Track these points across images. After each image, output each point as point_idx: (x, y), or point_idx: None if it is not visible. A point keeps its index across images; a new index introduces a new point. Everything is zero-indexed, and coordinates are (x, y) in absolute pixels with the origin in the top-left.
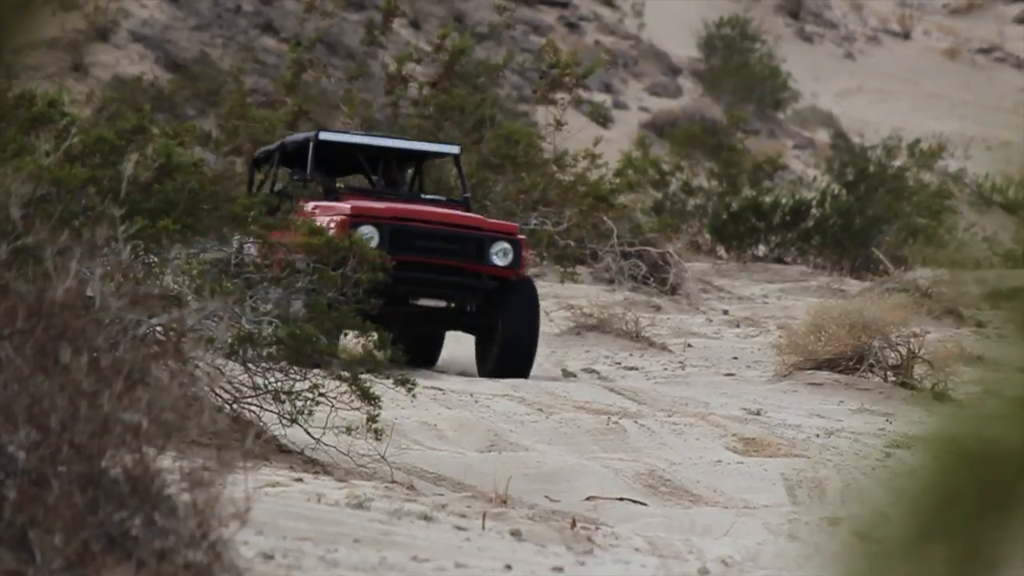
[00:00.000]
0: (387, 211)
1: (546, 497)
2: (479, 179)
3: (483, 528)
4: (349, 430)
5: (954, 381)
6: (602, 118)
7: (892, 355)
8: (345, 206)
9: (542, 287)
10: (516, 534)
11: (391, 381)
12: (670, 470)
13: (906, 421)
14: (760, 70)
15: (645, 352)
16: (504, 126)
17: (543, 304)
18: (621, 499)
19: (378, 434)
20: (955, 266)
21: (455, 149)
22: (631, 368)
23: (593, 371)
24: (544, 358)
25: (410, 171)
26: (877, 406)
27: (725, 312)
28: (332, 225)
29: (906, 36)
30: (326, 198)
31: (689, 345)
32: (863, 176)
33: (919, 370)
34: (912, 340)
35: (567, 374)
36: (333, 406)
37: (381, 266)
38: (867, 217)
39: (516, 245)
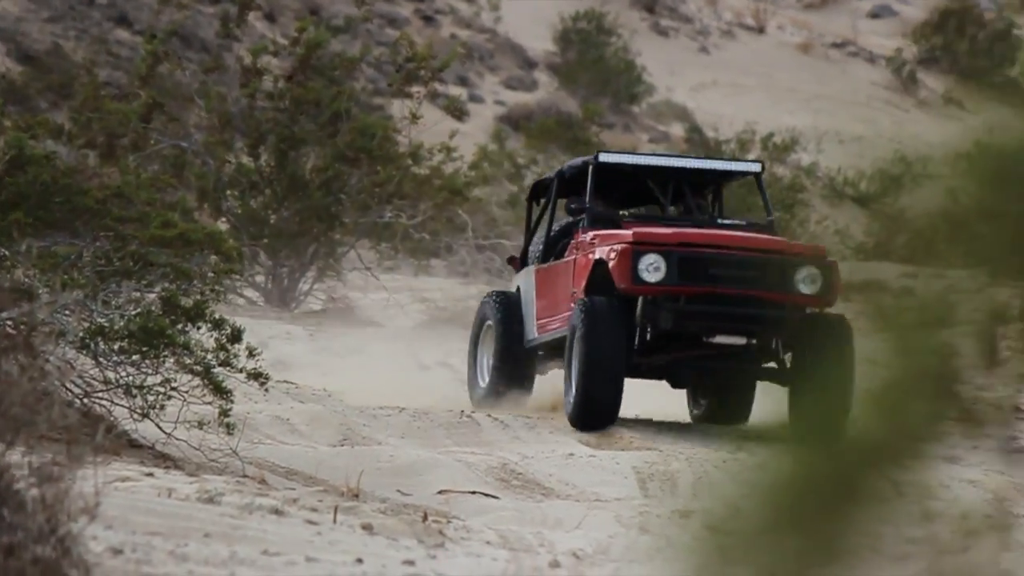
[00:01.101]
0: (674, 236)
1: (398, 491)
2: (334, 172)
3: (334, 522)
4: (201, 425)
5: None
6: (457, 111)
7: None
8: (627, 233)
9: (395, 280)
10: (368, 528)
11: (243, 375)
12: (522, 463)
13: (756, 415)
14: (615, 64)
15: None
16: (360, 119)
17: (398, 297)
18: (473, 492)
19: (230, 428)
20: None
21: (755, 167)
22: None
23: (447, 364)
24: (398, 351)
25: (709, 194)
26: None
27: None
28: (613, 255)
29: (760, 30)
30: (608, 227)
31: None
32: None
33: None
34: None
35: (422, 367)
36: (185, 400)
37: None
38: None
39: (827, 270)
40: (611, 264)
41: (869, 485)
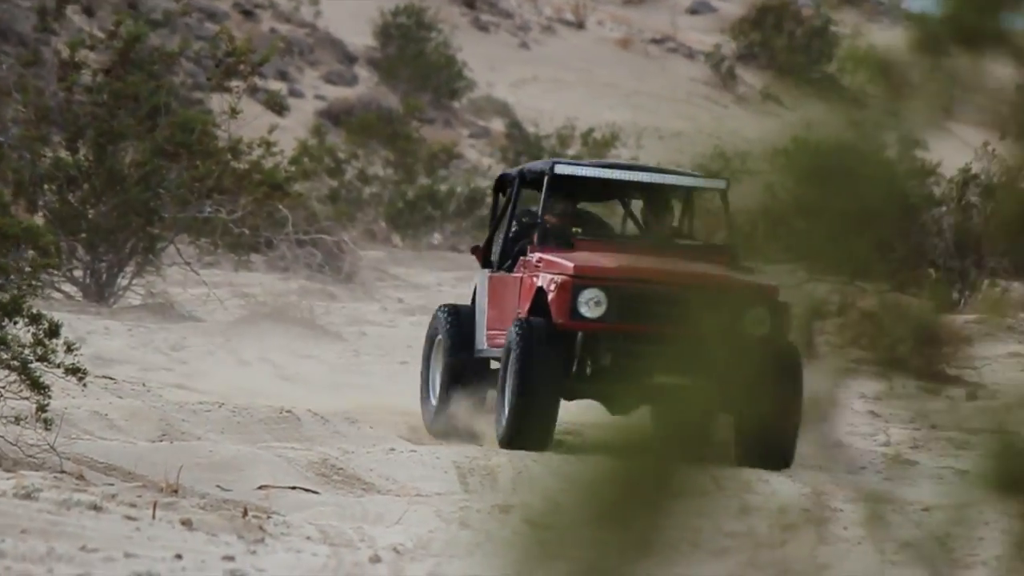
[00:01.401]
0: (617, 270)
1: (218, 486)
2: (153, 167)
3: (153, 518)
4: (18, 420)
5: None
6: (278, 106)
7: None
8: (568, 264)
9: (215, 275)
10: (187, 523)
11: (61, 371)
12: (343, 459)
13: (575, 409)
14: (436, 59)
15: (320, 341)
16: (179, 114)
17: (218, 292)
18: (293, 488)
19: (48, 424)
20: None
21: (720, 184)
22: (305, 356)
23: (267, 360)
24: (218, 346)
25: (670, 209)
26: None
27: (400, 300)
28: (553, 288)
29: (580, 26)
30: (561, 248)
31: (364, 333)
32: None
33: None
34: None
35: (241, 363)
36: (2, 395)
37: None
38: None
39: (777, 312)
40: (550, 296)
41: (687, 480)
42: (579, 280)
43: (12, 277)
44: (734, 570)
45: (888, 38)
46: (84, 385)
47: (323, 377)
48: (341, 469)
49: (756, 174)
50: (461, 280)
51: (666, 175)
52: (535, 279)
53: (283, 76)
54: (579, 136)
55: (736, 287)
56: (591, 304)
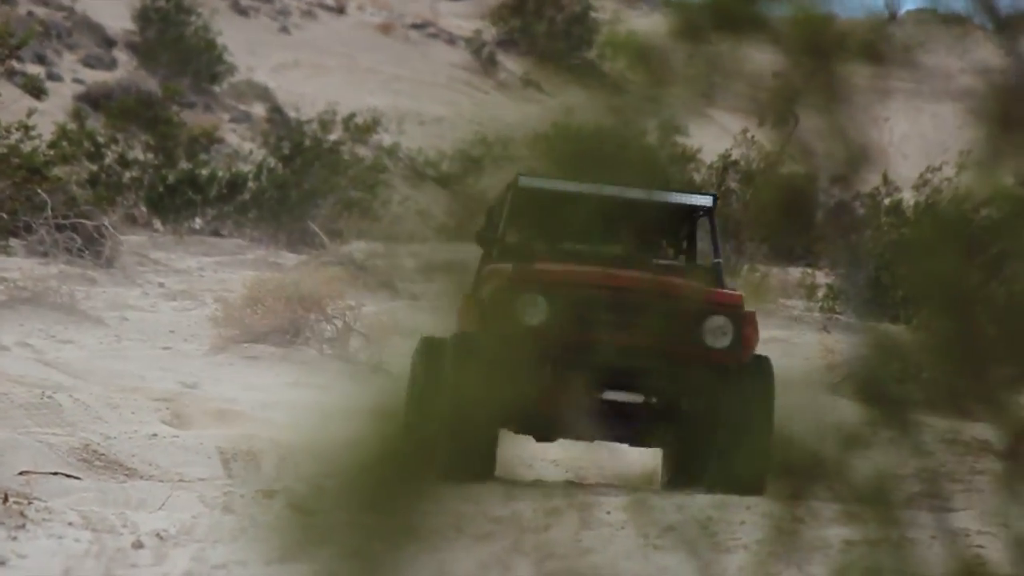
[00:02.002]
0: (561, 275)
1: None
2: None
3: None
4: None
5: (388, 353)
6: (36, 90)
7: (328, 328)
8: (507, 269)
9: None
10: None
11: None
12: (105, 444)
13: (341, 394)
14: (196, 43)
15: (80, 326)
16: None
17: None
18: (55, 474)
19: None
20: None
21: (706, 201)
22: (66, 341)
23: (27, 344)
24: None
25: (654, 229)
26: (313, 379)
27: (161, 285)
28: (489, 295)
29: (341, 11)
30: (520, 262)
31: (125, 318)
32: (299, 150)
33: (355, 343)
34: (348, 313)
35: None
36: None
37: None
38: (303, 191)
39: (737, 321)
40: (486, 303)
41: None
42: (517, 284)
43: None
44: (498, 555)
45: (648, 25)
46: None
47: (84, 362)
48: (103, 455)
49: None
50: (222, 265)
51: (639, 192)
52: (479, 292)
53: (41, 60)
54: (341, 121)
55: (693, 295)
56: (529, 311)
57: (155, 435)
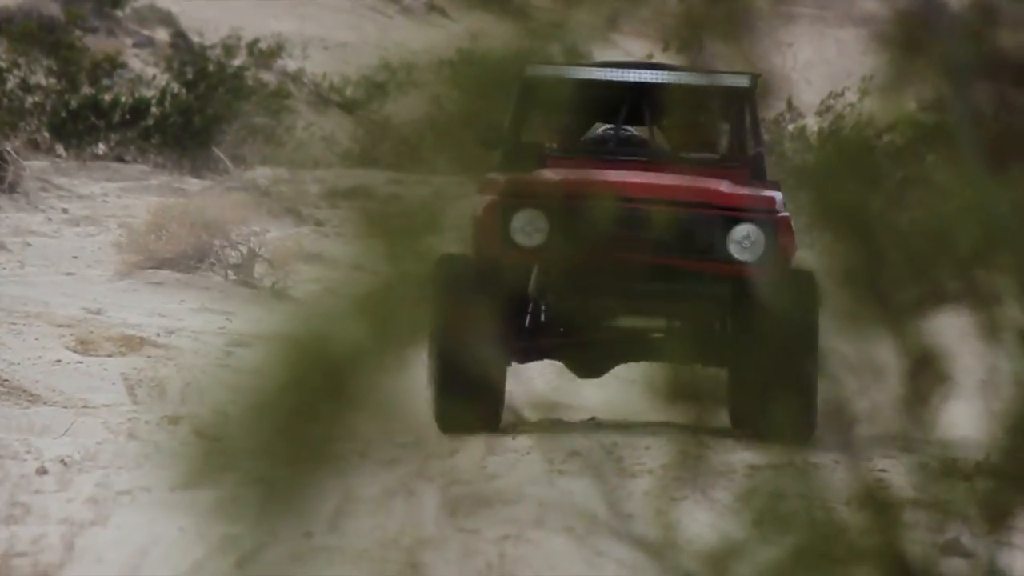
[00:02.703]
0: (562, 185)
1: None
2: None
3: None
4: None
5: (293, 279)
6: None
7: (233, 254)
8: (500, 181)
9: None
10: None
11: None
12: (8, 370)
13: (246, 320)
14: None
15: None
16: None
17: None
18: None
19: None
20: (295, 165)
21: (744, 81)
22: None
23: None
24: None
25: (680, 116)
26: (218, 305)
27: (65, 211)
28: (480, 213)
29: None
30: (529, 166)
31: (28, 244)
32: (203, 75)
33: (260, 268)
34: (253, 239)
35: None
36: None
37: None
38: (207, 116)
39: (770, 228)
40: (478, 223)
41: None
42: (511, 200)
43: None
44: (404, 480)
45: None
46: None
47: None
48: (7, 380)
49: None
50: (126, 191)
51: (666, 72)
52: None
53: None
54: (245, 47)
55: (718, 200)
56: (527, 229)
57: (59, 361)
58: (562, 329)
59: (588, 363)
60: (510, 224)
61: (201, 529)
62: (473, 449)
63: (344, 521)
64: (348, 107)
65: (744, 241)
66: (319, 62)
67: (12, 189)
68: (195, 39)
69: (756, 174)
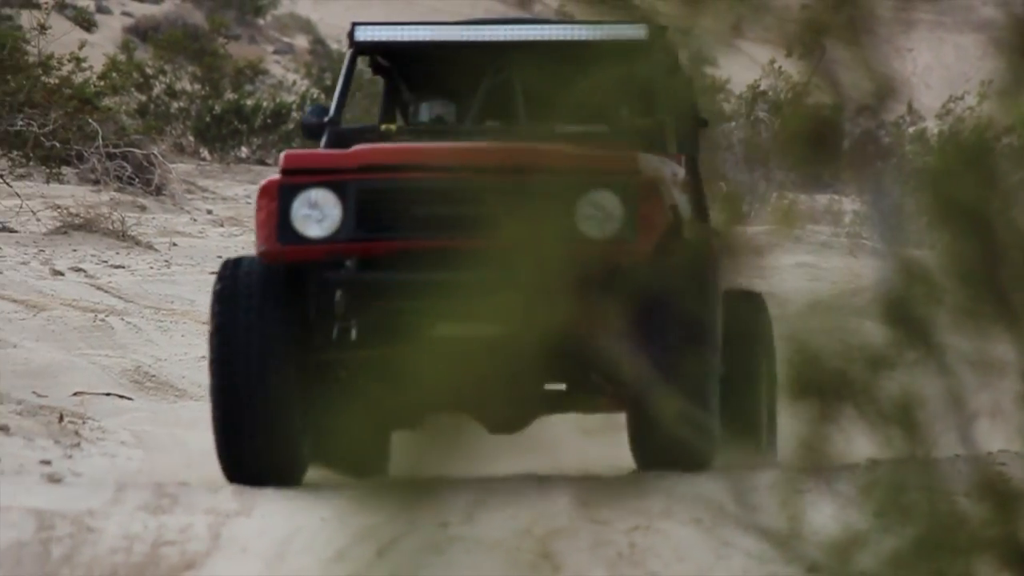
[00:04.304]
0: (357, 156)
1: (34, 393)
2: None
3: None
4: None
5: None
6: (86, 22)
7: None
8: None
9: (28, 187)
10: (4, 429)
11: None
12: (156, 366)
13: None
14: None
15: (131, 251)
16: None
17: (30, 204)
18: (108, 394)
19: None
20: None
21: (638, 32)
22: (118, 267)
23: (80, 270)
24: (31, 256)
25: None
26: None
27: (209, 212)
28: (258, 197)
29: None
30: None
31: (175, 244)
32: None
33: None
34: None
35: (55, 273)
36: None
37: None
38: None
39: (627, 194)
40: (255, 212)
41: None
42: (292, 178)
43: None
44: (537, 472)
45: None
46: None
47: (135, 286)
48: (154, 376)
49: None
50: None
51: (537, 27)
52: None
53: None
54: None
55: (563, 162)
56: (313, 215)
57: (204, 357)
58: (368, 342)
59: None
60: (290, 209)
61: (342, 519)
62: (603, 443)
63: (479, 512)
64: None
65: (596, 212)
66: None
67: (159, 191)
68: (333, 46)
69: (655, 146)
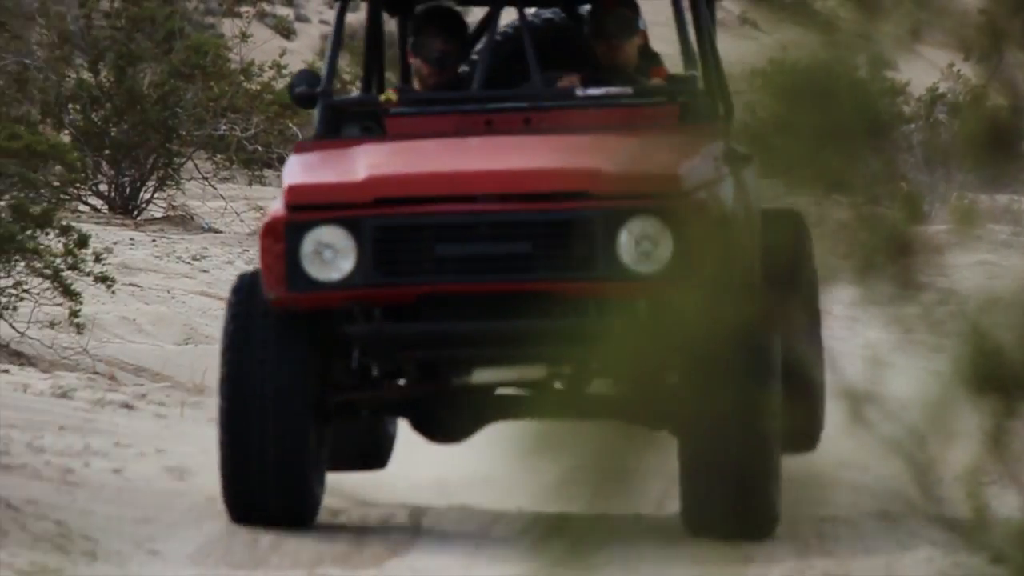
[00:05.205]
0: (372, 188)
1: None
2: (170, 87)
3: (181, 416)
4: (52, 324)
5: None
6: (285, 31)
7: None
8: (287, 182)
9: (231, 189)
10: (213, 421)
11: (91, 278)
12: None
13: None
14: None
15: None
16: (193, 38)
17: (234, 205)
18: None
19: (80, 328)
20: None
21: None
22: None
23: None
24: (236, 256)
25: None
26: None
27: None
28: (261, 234)
29: None
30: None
31: None
32: None
33: None
34: None
35: None
36: (37, 302)
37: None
38: None
39: (682, 221)
40: (260, 253)
41: None
42: (299, 215)
43: (42, 191)
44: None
45: None
46: (113, 292)
47: None
48: None
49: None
50: None
51: None
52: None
53: (289, 2)
54: None
55: (596, 186)
56: (325, 257)
57: None
58: (399, 384)
59: (440, 426)
60: (299, 250)
61: (540, 508)
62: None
63: (670, 502)
64: None
65: (639, 243)
66: None
67: None
68: None
69: (689, 112)
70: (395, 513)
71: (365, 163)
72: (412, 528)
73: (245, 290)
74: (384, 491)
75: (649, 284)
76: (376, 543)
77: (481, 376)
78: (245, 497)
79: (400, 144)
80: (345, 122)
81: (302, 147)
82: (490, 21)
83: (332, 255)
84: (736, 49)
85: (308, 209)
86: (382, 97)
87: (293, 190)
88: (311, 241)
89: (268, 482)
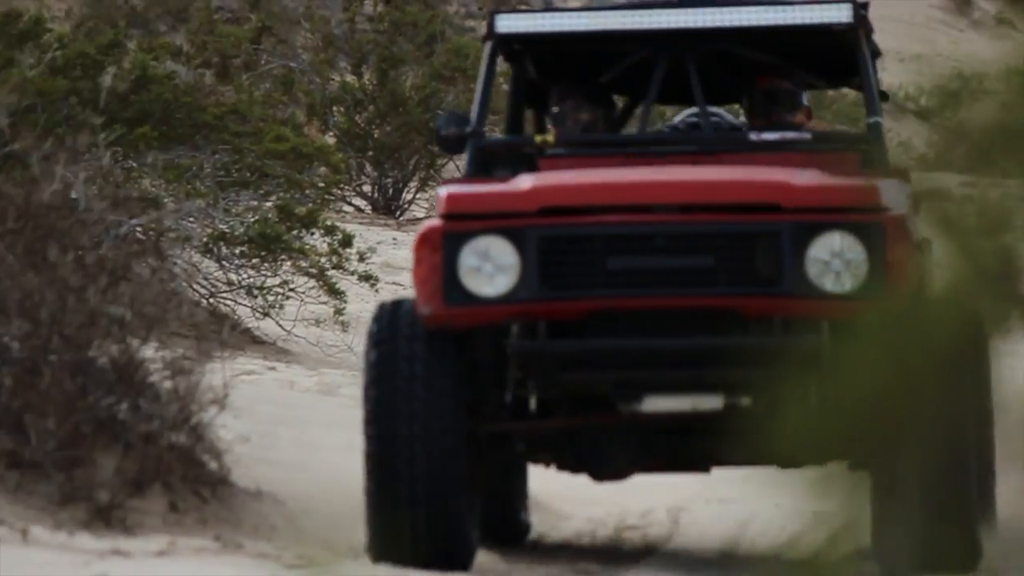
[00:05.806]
0: (538, 196)
1: None
2: (432, 90)
3: None
4: (318, 323)
5: None
6: None
7: None
8: (443, 194)
9: None
10: None
11: (355, 277)
12: None
13: None
14: None
15: None
16: (454, 41)
17: None
18: None
19: (344, 326)
20: None
21: (841, 14)
22: None
23: None
24: None
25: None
26: None
27: None
28: (416, 246)
29: None
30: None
31: None
32: None
33: None
34: None
35: None
36: (302, 300)
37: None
38: None
39: (878, 237)
40: (414, 265)
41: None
42: (457, 224)
43: (307, 192)
44: None
45: None
46: (376, 291)
47: None
48: None
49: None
50: None
51: (722, 13)
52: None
53: (547, 6)
54: None
55: (786, 197)
56: (485, 268)
57: None
58: (561, 415)
59: (605, 462)
60: (457, 262)
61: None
62: None
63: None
64: (923, 114)
65: (832, 261)
66: (895, 73)
67: None
68: None
69: (872, 159)
70: (654, 508)
71: (529, 177)
72: (671, 523)
73: (386, 319)
74: (643, 490)
75: (839, 303)
76: (635, 538)
77: (652, 404)
78: (396, 548)
79: (564, 169)
80: (495, 165)
81: (451, 181)
82: (658, 65)
83: (493, 268)
84: (992, 49)
85: (468, 218)
86: (538, 138)
87: (452, 198)
88: (470, 252)
89: (419, 528)
